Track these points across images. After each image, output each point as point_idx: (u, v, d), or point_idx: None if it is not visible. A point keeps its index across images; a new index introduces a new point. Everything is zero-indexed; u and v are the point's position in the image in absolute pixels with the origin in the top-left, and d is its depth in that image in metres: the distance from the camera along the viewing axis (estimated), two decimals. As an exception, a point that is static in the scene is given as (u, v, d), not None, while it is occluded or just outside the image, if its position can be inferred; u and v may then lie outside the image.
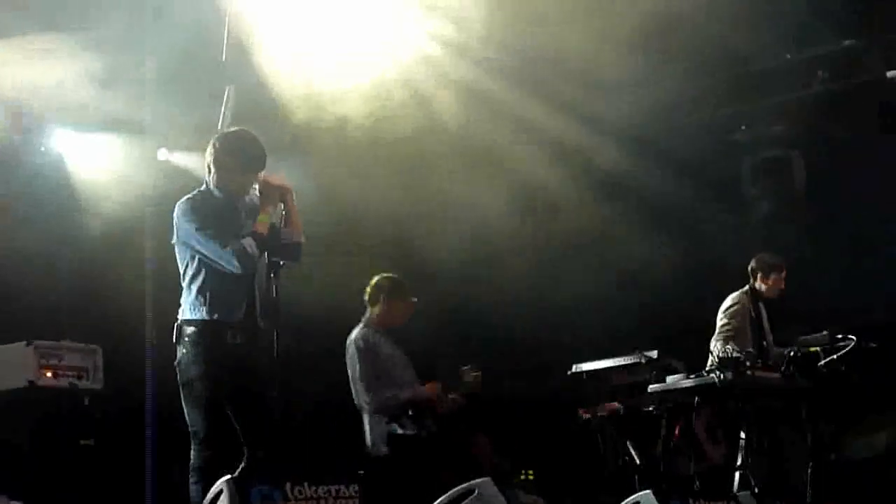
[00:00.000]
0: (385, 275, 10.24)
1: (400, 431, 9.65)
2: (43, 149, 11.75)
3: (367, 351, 9.88)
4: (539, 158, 12.79)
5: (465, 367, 10.10)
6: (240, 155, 7.84)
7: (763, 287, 11.37)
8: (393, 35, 11.18)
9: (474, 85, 12.04)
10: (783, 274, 11.40)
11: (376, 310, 10.14)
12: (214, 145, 7.92)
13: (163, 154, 12.25)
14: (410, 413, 9.65)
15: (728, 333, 11.07)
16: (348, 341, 10.04)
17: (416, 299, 10.20)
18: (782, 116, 13.08)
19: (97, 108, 11.02)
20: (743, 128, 13.44)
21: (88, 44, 10.53)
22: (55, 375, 10.83)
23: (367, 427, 9.82)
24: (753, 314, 11.29)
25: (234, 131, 8.00)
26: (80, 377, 10.97)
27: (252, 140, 7.92)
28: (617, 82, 12.44)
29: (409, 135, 11.81)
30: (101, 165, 11.55)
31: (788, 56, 12.75)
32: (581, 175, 13.05)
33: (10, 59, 10.35)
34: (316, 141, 11.62)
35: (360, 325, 10.11)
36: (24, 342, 10.77)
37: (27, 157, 11.35)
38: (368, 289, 10.22)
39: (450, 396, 9.99)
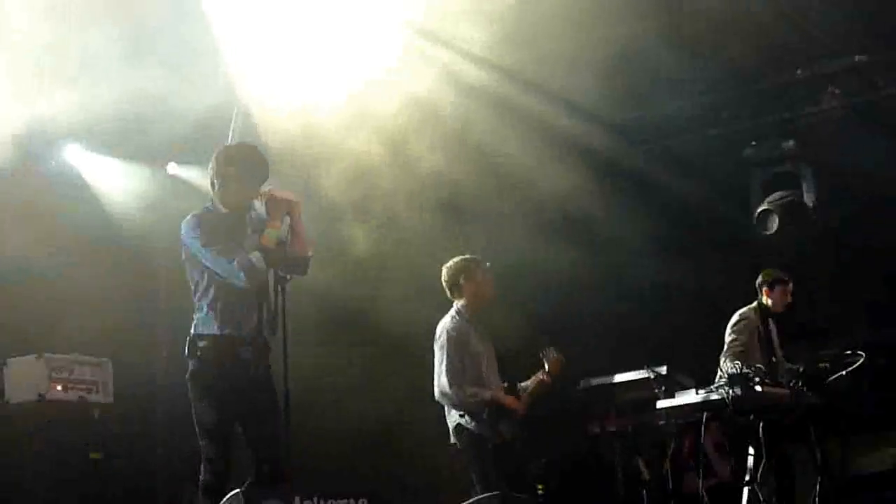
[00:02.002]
0: (449, 262, 9.88)
1: (470, 426, 9.56)
2: (54, 163, 11.79)
3: (457, 344, 9.58)
4: (548, 168, 12.79)
5: (549, 348, 9.93)
6: (241, 167, 7.85)
7: (770, 301, 11.35)
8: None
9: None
10: (789, 287, 11.37)
11: (462, 298, 9.81)
12: (217, 159, 7.94)
13: (172, 168, 12.30)
14: (486, 416, 9.50)
15: (736, 349, 11.04)
16: (440, 329, 9.72)
17: (489, 264, 9.94)
18: (793, 132, 13.09)
19: (109, 125, 11.05)
20: (753, 143, 13.44)
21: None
22: (65, 389, 10.87)
23: (446, 417, 9.69)
24: (761, 330, 11.27)
25: (235, 145, 8.04)
26: (89, 391, 11.01)
27: (253, 151, 7.96)
28: (629, 96, 12.48)
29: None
30: (112, 180, 11.57)
31: (799, 72, 12.76)
32: (588, 187, 13.05)
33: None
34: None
35: (452, 314, 9.77)
36: (35, 355, 10.81)
37: (39, 172, 11.36)
38: (444, 282, 9.86)
39: (538, 379, 9.84)
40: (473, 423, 9.45)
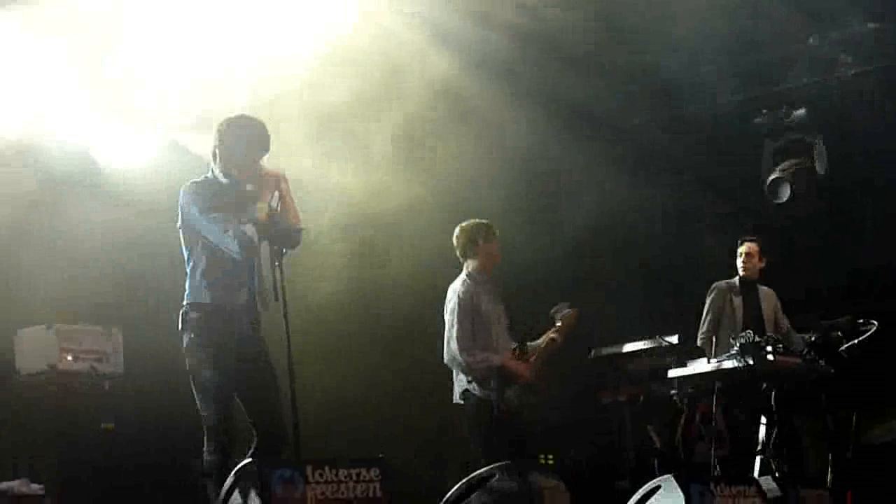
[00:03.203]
0: (464, 224, 9.85)
1: (476, 392, 9.54)
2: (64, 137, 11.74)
3: (468, 307, 9.55)
4: (558, 141, 12.76)
5: (559, 305, 9.91)
6: (244, 138, 7.90)
7: (739, 268, 11.42)
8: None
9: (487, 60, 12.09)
10: (746, 249, 11.36)
11: (473, 260, 9.78)
12: (219, 130, 7.98)
13: (180, 140, 12.26)
14: (493, 382, 9.47)
15: (705, 321, 11.17)
16: (450, 293, 9.70)
17: (498, 232, 9.86)
18: (804, 101, 13.04)
19: (118, 98, 11.04)
20: (764, 112, 13.39)
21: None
22: (75, 359, 10.85)
23: (454, 381, 9.68)
24: (738, 298, 11.28)
25: (236, 116, 8.02)
26: (100, 360, 10.99)
27: (255, 123, 7.99)
28: (639, 65, 12.45)
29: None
30: (119, 152, 11.53)
31: (811, 40, 12.71)
32: (601, 159, 13.02)
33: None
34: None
35: (463, 277, 9.74)
36: (45, 326, 10.80)
37: (48, 146, 11.33)
38: (456, 243, 9.83)
39: (548, 338, 9.82)
40: (480, 389, 9.45)
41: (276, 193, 7.89)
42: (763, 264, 11.42)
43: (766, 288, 11.46)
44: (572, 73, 12.36)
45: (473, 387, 9.46)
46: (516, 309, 10.02)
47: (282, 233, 7.82)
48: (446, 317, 9.65)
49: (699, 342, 11.01)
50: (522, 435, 9.48)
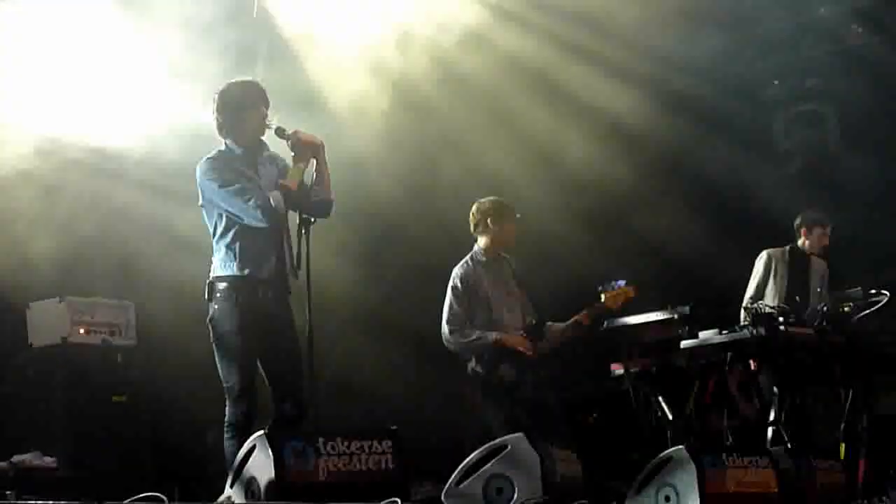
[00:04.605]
0: (483, 200, 9.82)
1: (477, 369, 9.50)
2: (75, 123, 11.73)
3: (465, 289, 9.55)
4: (566, 116, 12.73)
5: (614, 281, 9.85)
6: (240, 100, 7.94)
7: (807, 243, 11.37)
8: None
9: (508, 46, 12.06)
10: (826, 230, 11.39)
11: (484, 238, 9.77)
12: (215, 101, 8.01)
13: (195, 114, 12.22)
14: (486, 357, 9.48)
15: (751, 287, 11.15)
16: (453, 273, 9.70)
17: (520, 215, 9.85)
18: (816, 71, 13.00)
19: (122, 71, 11.03)
20: (776, 82, 13.35)
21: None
22: (88, 332, 10.86)
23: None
24: (789, 270, 11.26)
25: (226, 84, 8.04)
26: (112, 333, 10.99)
27: (248, 83, 8.06)
28: (649, 36, 12.39)
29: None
30: (128, 127, 11.50)
31: (822, 10, 12.66)
32: (609, 132, 12.98)
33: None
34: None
35: (467, 258, 9.74)
36: (58, 299, 10.81)
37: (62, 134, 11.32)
38: (471, 218, 9.80)
39: (575, 320, 9.80)
40: (479, 366, 9.49)
41: (313, 162, 7.90)
42: None
43: (820, 260, 11.45)
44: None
45: (474, 363, 9.50)
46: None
47: (314, 203, 7.86)
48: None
49: (743, 309, 10.98)
50: (518, 411, 9.45)
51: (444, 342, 9.60)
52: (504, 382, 9.42)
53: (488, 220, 9.73)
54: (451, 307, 9.57)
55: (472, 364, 9.52)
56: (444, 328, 9.55)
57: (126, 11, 10.67)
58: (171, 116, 10.95)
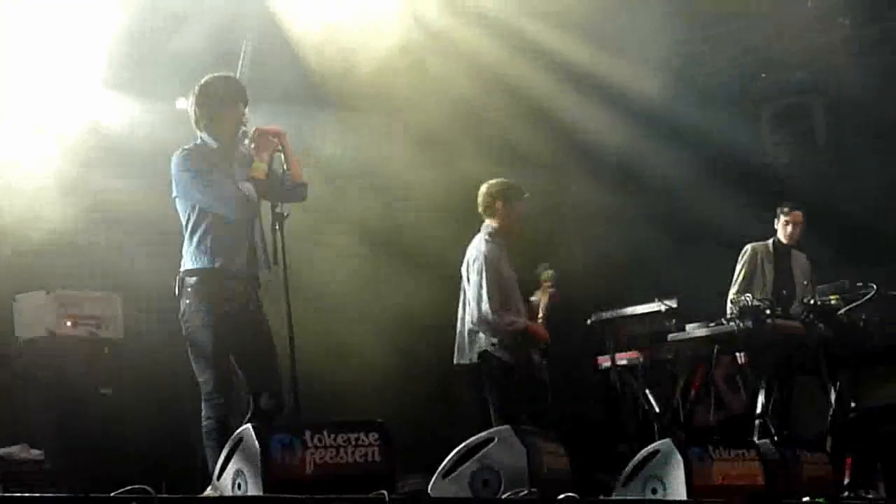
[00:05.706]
0: (493, 181, 9.73)
1: (498, 354, 9.42)
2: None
3: (494, 270, 9.42)
4: (562, 109, 12.74)
5: (542, 265, 9.96)
6: (218, 96, 7.93)
7: (780, 233, 11.37)
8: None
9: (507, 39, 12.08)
10: (790, 217, 11.33)
11: (495, 220, 9.66)
12: (194, 95, 8.00)
13: (181, 103, 12.19)
14: (517, 345, 9.43)
15: (737, 281, 11.15)
16: (473, 252, 9.54)
17: (528, 195, 9.80)
18: (803, 64, 13.01)
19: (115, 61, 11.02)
20: (763, 75, 13.37)
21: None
22: (75, 324, 10.84)
23: (464, 339, 9.56)
24: (769, 262, 11.26)
25: (206, 79, 8.04)
26: (99, 326, 10.97)
27: (227, 79, 8.12)
28: (637, 31, 12.41)
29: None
30: (117, 116, 11.48)
31: (809, 3, 12.67)
32: (603, 125, 13.00)
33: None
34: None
35: (483, 236, 9.62)
36: (44, 291, 10.78)
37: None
38: (480, 199, 9.68)
39: (548, 293, 9.86)
40: (503, 351, 9.41)
41: (279, 151, 7.91)
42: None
43: (799, 252, 11.45)
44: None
45: (495, 347, 9.41)
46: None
47: (283, 191, 7.87)
48: (471, 276, 9.51)
49: (729, 302, 10.97)
50: (543, 400, 9.49)
51: (480, 323, 9.39)
52: (533, 372, 9.43)
53: (497, 203, 9.66)
54: (489, 286, 9.37)
55: (492, 349, 9.40)
56: (486, 307, 9.33)
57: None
58: (160, 104, 10.96)
